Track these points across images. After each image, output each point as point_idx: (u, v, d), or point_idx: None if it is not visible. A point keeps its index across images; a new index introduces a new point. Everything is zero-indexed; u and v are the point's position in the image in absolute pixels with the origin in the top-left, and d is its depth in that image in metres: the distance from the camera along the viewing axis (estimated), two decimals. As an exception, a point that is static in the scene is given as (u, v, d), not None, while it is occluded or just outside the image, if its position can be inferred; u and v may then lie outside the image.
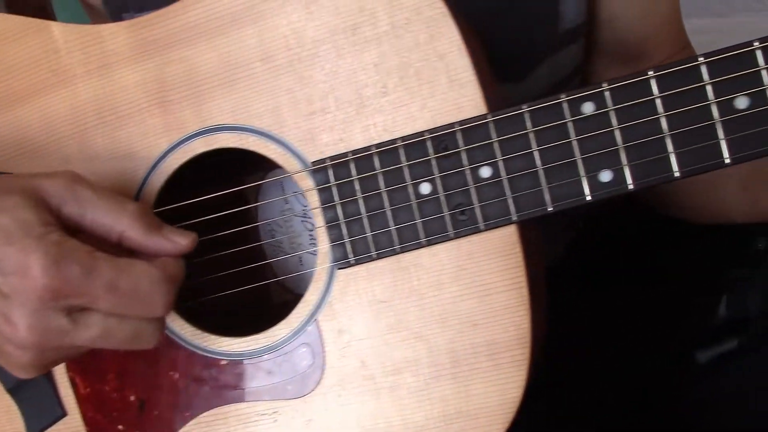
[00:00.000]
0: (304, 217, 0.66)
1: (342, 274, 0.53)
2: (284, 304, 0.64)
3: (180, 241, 0.51)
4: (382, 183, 0.52)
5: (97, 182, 0.53)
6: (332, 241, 0.53)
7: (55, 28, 0.59)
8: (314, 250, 0.54)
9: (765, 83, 0.45)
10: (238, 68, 0.55)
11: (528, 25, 0.70)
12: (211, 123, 0.56)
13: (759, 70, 0.45)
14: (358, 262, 0.53)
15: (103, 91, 0.58)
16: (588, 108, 0.48)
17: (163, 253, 0.51)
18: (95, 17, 0.74)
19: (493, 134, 0.50)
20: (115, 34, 0.58)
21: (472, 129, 0.50)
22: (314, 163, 0.53)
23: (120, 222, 0.50)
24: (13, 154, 0.60)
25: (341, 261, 0.53)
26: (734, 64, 0.45)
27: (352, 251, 0.53)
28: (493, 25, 0.68)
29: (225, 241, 0.60)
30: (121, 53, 0.58)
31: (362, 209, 0.52)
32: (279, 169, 0.57)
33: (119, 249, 0.50)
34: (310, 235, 0.65)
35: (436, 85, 0.51)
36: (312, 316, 0.54)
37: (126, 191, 0.58)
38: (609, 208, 0.85)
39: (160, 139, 0.57)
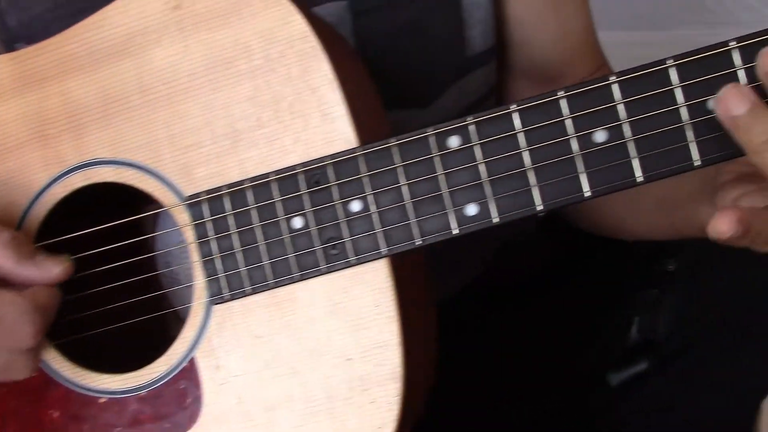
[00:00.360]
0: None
1: (219, 309, 0.53)
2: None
3: (51, 268, 0.51)
4: (255, 218, 0.51)
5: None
6: (207, 276, 0.53)
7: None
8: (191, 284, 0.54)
9: (621, 117, 0.45)
10: (116, 102, 0.55)
11: (433, 51, 0.70)
12: (89, 157, 0.55)
13: (615, 104, 0.45)
14: (233, 297, 0.52)
15: (-17, 125, 0.57)
16: (454, 142, 0.48)
17: (35, 281, 0.50)
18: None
19: (363, 168, 0.49)
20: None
21: (342, 163, 0.50)
22: (189, 197, 0.53)
23: None
24: None
25: (216, 296, 0.53)
26: (593, 98, 0.46)
27: (227, 286, 0.52)
28: (396, 52, 0.69)
29: (119, 272, 0.59)
30: (3, 85, 0.57)
31: (236, 244, 0.52)
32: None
33: None
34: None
35: (309, 118, 0.51)
36: (189, 353, 0.54)
37: (6, 225, 0.57)
38: (524, 231, 0.86)
39: (39, 174, 0.56)
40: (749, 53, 0.43)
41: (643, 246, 0.76)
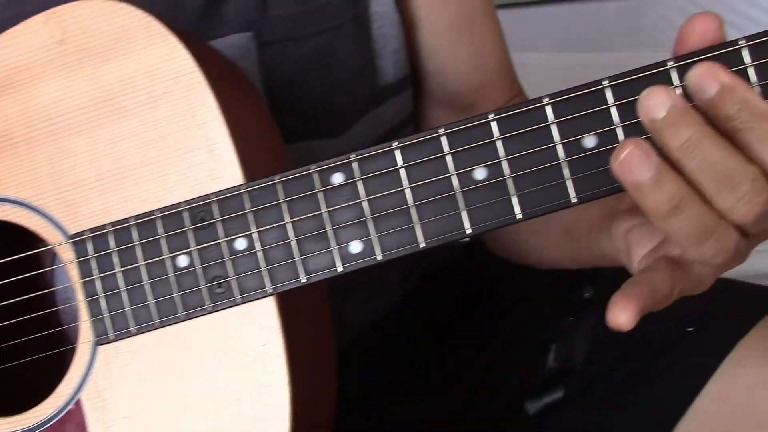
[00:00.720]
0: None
1: (105, 350, 0.52)
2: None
3: None
4: (140, 256, 0.50)
5: None
6: (92, 315, 0.51)
7: None
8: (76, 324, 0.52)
9: (500, 155, 0.45)
10: (0, 138, 0.53)
11: (342, 82, 0.70)
12: (-28, 194, 0.54)
13: (494, 141, 0.45)
14: (118, 338, 0.51)
15: None
16: (337, 179, 0.47)
17: None
18: None
19: (247, 205, 0.49)
20: None
21: (227, 200, 0.49)
22: (73, 235, 0.52)
23: None
24: None
25: (101, 336, 0.51)
26: (473, 135, 0.46)
27: (112, 326, 0.51)
28: (304, 83, 0.68)
29: (17, 309, 0.58)
30: None
31: (121, 283, 0.51)
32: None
33: None
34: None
35: (195, 155, 0.50)
36: (75, 394, 0.52)
37: None
38: (443, 262, 0.86)
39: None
40: (621, 92, 0.43)
41: (561, 274, 0.76)
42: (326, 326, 0.57)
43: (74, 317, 0.64)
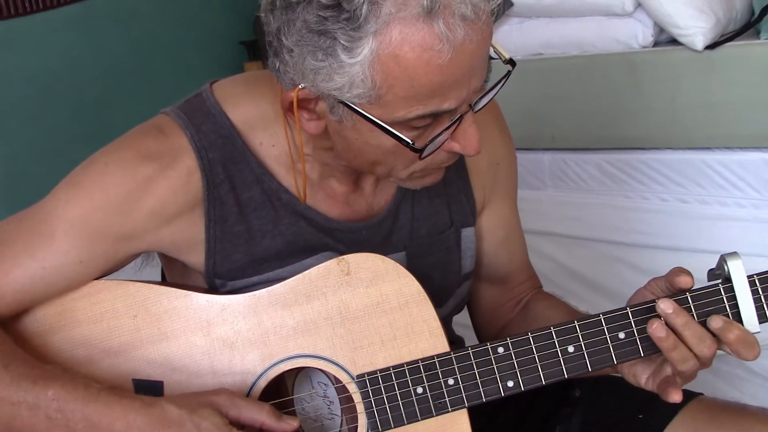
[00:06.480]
0: (324, 396, 1.10)
1: (372, 437, 0.99)
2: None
3: (294, 423, 0.95)
4: (396, 387, 0.98)
5: (224, 387, 0.96)
6: (368, 418, 0.99)
7: (202, 296, 1.02)
8: (352, 425, 0.99)
9: (580, 340, 0.97)
10: (311, 323, 1.00)
11: (447, 275, 1.20)
12: (292, 353, 1.00)
13: (577, 335, 0.97)
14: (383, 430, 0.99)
15: (226, 333, 1.01)
16: (500, 350, 0.98)
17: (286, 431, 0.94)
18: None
19: (454, 362, 0.98)
20: (236, 304, 1.01)
21: (443, 360, 0.98)
22: (358, 376, 0.99)
23: (261, 416, 0.94)
24: (164, 369, 1.00)
25: (373, 430, 0.99)
26: (565, 331, 0.97)
27: (379, 425, 0.98)
28: (430, 278, 1.18)
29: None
30: (239, 312, 1.01)
31: (386, 402, 0.98)
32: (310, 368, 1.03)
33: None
34: (329, 408, 1.09)
35: (422, 335, 1.00)
36: (356, 461, 0.99)
37: (240, 392, 1.00)
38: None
39: (258, 364, 1.00)
40: (637, 313, 0.97)
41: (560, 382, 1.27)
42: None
43: (303, 417, 1.10)
